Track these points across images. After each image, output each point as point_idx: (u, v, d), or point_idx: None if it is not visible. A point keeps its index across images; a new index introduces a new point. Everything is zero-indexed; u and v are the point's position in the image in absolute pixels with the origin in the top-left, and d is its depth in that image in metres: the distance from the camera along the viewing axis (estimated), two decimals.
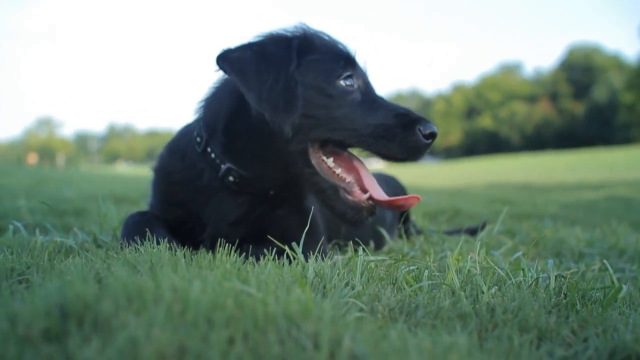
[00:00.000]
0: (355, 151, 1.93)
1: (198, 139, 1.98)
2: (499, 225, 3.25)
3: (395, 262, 1.83)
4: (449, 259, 1.74)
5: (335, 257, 1.97)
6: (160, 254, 1.57)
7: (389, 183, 3.08)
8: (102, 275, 1.40)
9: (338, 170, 1.86)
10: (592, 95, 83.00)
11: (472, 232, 3.43)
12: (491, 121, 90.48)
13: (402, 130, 1.79)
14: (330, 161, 1.86)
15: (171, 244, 1.79)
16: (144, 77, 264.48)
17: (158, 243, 1.72)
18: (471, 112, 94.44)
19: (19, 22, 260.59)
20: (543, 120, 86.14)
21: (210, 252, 1.84)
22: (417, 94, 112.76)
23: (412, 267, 1.79)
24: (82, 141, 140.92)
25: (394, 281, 1.64)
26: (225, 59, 1.80)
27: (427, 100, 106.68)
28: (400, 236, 2.94)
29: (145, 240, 1.78)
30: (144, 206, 2.31)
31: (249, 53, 1.80)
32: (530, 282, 1.66)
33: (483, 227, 3.36)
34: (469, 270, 1.72)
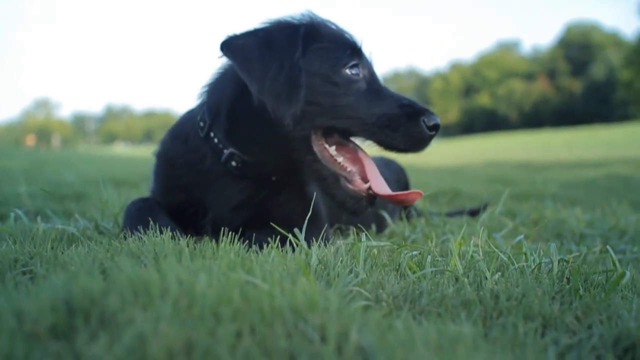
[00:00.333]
0: (358, 141, 1.92)
1: (201, 124, 1.97)
2: (500, 206, 3.26)
3: (398, 248, 1.83)
4: (451, 243, 1.74)
5: (338, 242, 1.97)
6: (164, 243, 1.56)
7: (389, 166, 3.08)
8: (106, 266, 1.40)
9: (340, 159, 1.85)
10: (590, 73, 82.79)
11: (474, 213, 3.44)
12: (489, 99, 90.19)
13: (406, 120, 1.78)
14: (332, 149, 1.85)
15: (174, 232, 1.78)
16: (142, 57, 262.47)
17: (161, 232, 1.72)
18: (469, 90, 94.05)
19: (16, 2, 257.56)
20: (541, 98, 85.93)
21: (214, 239, 1.84)
22: (414, 72, 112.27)
23: (414, 252, 1.80)
24: (79, 122, 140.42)
25: (397, 267, 1.64)
26: (230, 46, 1.78)
27: (425, 78, 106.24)
28: (400, 218, 2.94)
29: (148, 228, 1.77)
30: (144, 189, 2.31)
31: (253, 40, 1.78)
32: (533, 267, 1.66)
33: (484, 208, 3.36)
34: (472, 255, 1.72)
